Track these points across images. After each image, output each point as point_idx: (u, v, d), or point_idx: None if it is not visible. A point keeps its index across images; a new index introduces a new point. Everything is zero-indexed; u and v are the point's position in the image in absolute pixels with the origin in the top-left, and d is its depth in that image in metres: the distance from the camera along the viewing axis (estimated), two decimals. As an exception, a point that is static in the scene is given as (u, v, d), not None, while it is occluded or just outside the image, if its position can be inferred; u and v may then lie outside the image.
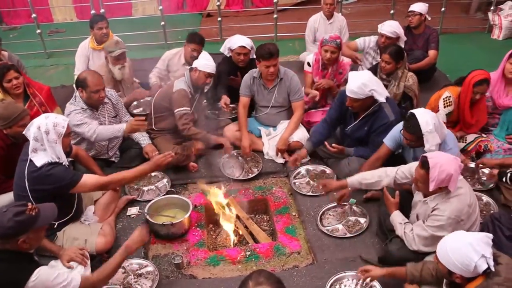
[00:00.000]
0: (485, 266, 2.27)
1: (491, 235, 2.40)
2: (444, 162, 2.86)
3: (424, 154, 3.00)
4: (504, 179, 3.67)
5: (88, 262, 3.18)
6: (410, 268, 2.81)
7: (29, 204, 2.53)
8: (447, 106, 4.20)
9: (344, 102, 4.05)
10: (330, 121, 4.27)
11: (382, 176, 3.40)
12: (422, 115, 3.34)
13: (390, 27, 5.09)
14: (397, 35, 5.11)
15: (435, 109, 4.33)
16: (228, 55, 5.07)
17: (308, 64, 4.97)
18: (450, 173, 2.83)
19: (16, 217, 2.42)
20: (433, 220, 2.95)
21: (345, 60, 4.94)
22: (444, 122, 4.14)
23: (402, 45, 5.12)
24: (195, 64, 4.32)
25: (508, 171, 3.68)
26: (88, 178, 3.28)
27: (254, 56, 4.97)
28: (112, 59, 4.73)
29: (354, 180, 3.52)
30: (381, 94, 3.84)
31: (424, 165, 2.90)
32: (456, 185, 2.90)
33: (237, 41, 4.87)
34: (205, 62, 4.30)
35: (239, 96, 4.75)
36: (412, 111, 3.43)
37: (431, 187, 2.87)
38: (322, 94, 4.89)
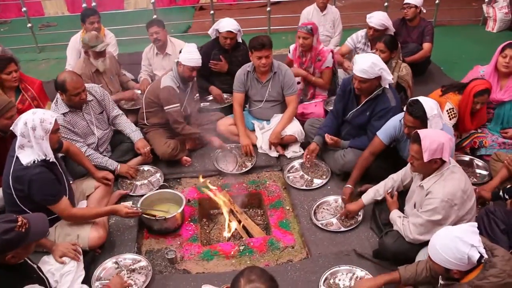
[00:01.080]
0: (477, 255, 2.27)
1: (475, 224, 2.41)
2: (434, 133, 2.96)
3: (416, 131, 3.04)
4: (502, 195, 3.57)
5: (81, 257, 3.16)
6: (402, 271, 2.82)
7: (19, 218, 2.38)
8: (453, 118, 4.17)
9: (345, 90, 4.07)
10: (336, 113, 4.25)
11: (392, 184, 3.48)
12: (426, 100, 3.36)
13: (378, 20, 5.06)
14: (385, 27, 5.08)
15: None
16: (215, 36, 5.16)
17: (289, 51, 5.12)
18: (441, 142, 2.86)
19: (4, 235, 2.28)
20: (427, 205, 2.96)
21: (325, 48, 4.92)
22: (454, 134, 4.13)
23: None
24: (180, 58, 4.26)
25: (498, 188, 3.65)
26: (62, 203, 3.22)
27: (240, 40, 5.15)
28: (94, 54, 4.65)
29: (369, 197, 3.56)
30: (389, 73, 3.86)
31: (416, 138, 2.94)
32: (449, 156, 2.93)
33: (224, 25, 4.95)
34: (188, 56, 4.22)
35: (223, 80, 4.92)
36: (415, 97, 3.43)
37: (425, 157, 2.88)
38: (310, 86, 4.99)
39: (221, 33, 4.98)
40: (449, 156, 2.95)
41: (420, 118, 3.33)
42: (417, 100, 3.36)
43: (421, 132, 2.97)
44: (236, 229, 3.88)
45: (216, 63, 5.10)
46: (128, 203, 3.91)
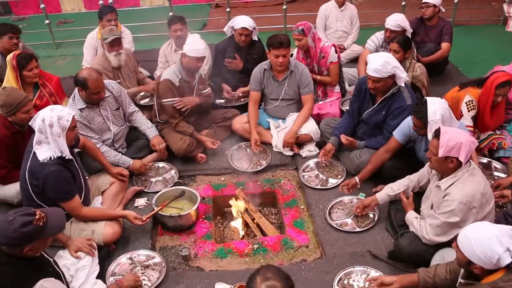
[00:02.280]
0: (508, 260, 2.20)
1: None
2: (455, 132, 2.90)
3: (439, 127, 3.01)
4: None
5: (96, 252, 3.17)
6: (422, 273, 2.76)
7: (37, 211, 2.42)
8: (471, 110, 4.12)
9: (361, 90, 4.05)
10: (352, 113, 4.25)
11: (407, 183, 3.45)
12: (433, 103, 3.32)
13: (394, 21, 5.03)
14: (402, 28, 5.03)
15: (453, 108, 4.24)
16: (230, 34, 5.16)
17: (291, 55, 5.01)
18: (459, 141, 2.81)
19: (22, 228, 2.32)
20: (444, 206, 2.90)
21: (326, 44, 4.89)
22: (471, 126, 4.08)
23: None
24: (184, 49, 4.25)
25: None
26: (73, 202, 3.25)
27: (256, 38, 5.14)
28: (107, 46, 4.70)
29: (383, 194, 3.53)
30: (403, 71, 3.83)
31: (437, 133, 2.91)
32: (467, 157, 2.86)
33: (239, 22, 4.96)
34: (192, 47, 4.20)
35: (239, 78, 4.92)
36: (426, 98, 3.41)
37: (440, 152, 2.83)
38: (319, 85, 4.96)
39: (236, 29, 4.99)
40: (467, 158, 2.88)
41: (421, 119, 3.34)
42: (425, 102, 3.34)
43: (443, 127, 2.94)
44: (245, 223, 3.90)
45: (231, 61, 5.09)
46: (143, 200, 3.96)
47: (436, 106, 3.29)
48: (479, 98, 4.11)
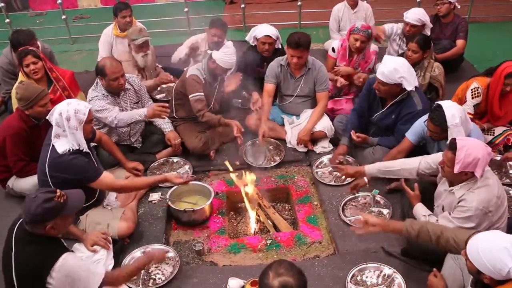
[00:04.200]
0: None
1: None
2: (472, 146, 2.81)
3: (454, 137, 2.94)
4: None
5: (111, 246, 3.21)
6: (408, 225, 2.77)
7: (58, 190, 2.52)
8: (475, 97, 4.09)
9: (371, 90, 4.02)
10: (361, 111, 4.23)
11: (401, 165, 3.38)
12: (449, 107, 3.27)
13: (414, 15, 4.99)
14: (422, 23, 5.00)
15: (463, 99, 4.22)
16: (253, 44, 5.00)
17: (333, 49, 4.94)
18: (477, 157, 2.76)
19: (45, 204, 2.42)
20: (460, 212, 2.87)
21: (371, 49, 4.85)
22: (472, 114, 4.05)
23: (428, 33, 5.02)
24: (214, 55, 4.21)
25: None
26: (106, 177, 3.31)
27: (280, 46, 4.99)
28: (135, 47, 4.73)
29: (372, 168, 3.49)
30: (410, 83, 3.77)
31: (452, 146, 2.84)
32: (482, 172, 2.82)
33: (262, 30, 4.82)
34: (223, 58, 4.17)
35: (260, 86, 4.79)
36: (439, 102, 3.36)
37: (456, 168, 2.79)
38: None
39: (259, 38, 4.83)
40: (482, 172, 2.83)
41: (440, 125, 3.27)
42: (440, 107, 3.28)
43: (460, 141, 2.84)
44: (259, 219, 3.91)
45: (260, 70, 4.91)
46: (157, 194, 3.99)
47: (453, 110, 3.25)
48: (489, 86, 4.07)
